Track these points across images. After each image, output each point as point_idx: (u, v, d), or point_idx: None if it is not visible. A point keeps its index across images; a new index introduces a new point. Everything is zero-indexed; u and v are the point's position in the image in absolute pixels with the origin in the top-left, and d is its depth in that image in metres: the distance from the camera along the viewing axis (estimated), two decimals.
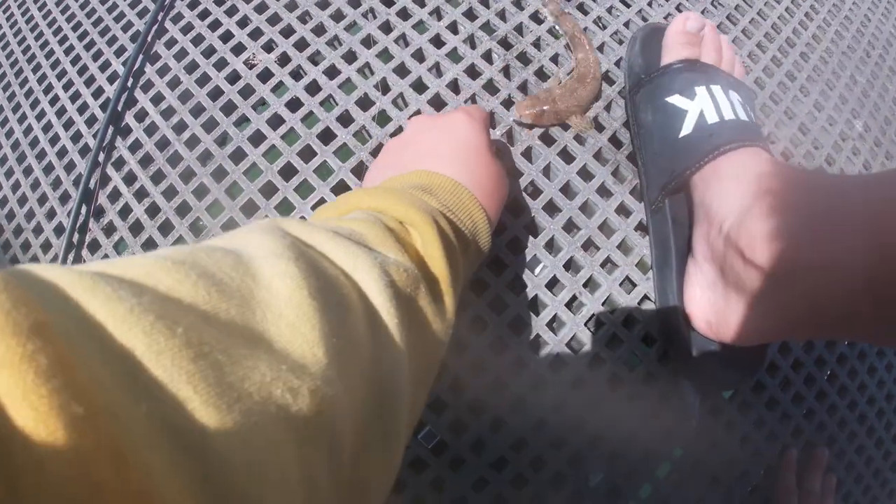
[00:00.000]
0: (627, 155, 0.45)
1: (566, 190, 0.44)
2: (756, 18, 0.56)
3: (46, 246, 0.51)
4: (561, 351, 0.41)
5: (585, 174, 0.44)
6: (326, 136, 0.44)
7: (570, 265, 0.43)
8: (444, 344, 0.28)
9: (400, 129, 0.44)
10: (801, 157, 0.53)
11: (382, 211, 0.26)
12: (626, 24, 0.49)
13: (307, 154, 0.44)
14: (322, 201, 0.43)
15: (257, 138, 0.45)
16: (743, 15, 0.55)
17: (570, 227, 0.43)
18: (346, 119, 0.45)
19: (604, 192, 0.44)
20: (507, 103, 0.45)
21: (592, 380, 0.41)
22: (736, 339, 0.38)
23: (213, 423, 0.12)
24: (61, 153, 0.53)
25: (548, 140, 0.45)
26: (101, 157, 0.51)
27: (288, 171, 0.44)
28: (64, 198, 0.52)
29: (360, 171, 0.43)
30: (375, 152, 0.43)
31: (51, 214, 0.52)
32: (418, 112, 0.44)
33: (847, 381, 0.51)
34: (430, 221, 0.26)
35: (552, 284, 0.43)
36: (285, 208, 0.43)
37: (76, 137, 0.53)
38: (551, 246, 0.43)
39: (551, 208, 0.43)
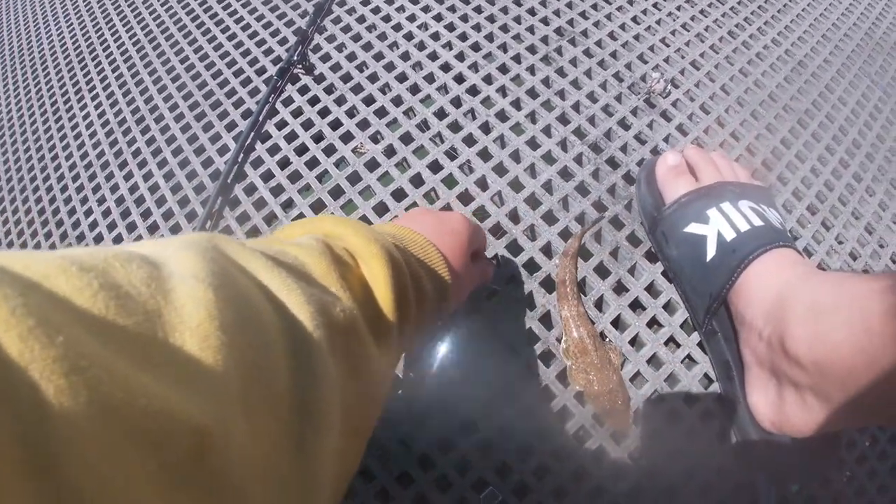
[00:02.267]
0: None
1: (650, 289, 0.47)
2: (838, 126, 0.59)
3: None
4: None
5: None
6: None
7: (634, 341, 0.46)
8: (387, 377, 0.27)
9: (499, 227, 0.48)
10: (868, 256, 0.56)
11: (340, 237, 0.27)
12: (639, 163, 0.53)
13: None
14: None
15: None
16: (813, 118, 0.58)
17: (652, 323, 0.47)
18: None
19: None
20: (598, 205, 0.49)
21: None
22: (799, 432, 0.40)
23: (73, 446, 0.11)
24: (167, 215, 0.58)
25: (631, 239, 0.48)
26: (209, 225, 0.55)
27: None
28: None
29: None
30: None
31: None
32: (514, 210, 0.48)
33: None
34: (385, 260, 0.26)
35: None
36: None
37: (183, 202, 0.58)
38: (634, 341, 0.46)
39: (636, 305, 0.46)
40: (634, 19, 0.59)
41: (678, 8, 0.61)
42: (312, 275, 0.23)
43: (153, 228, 0.58)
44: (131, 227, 0.59)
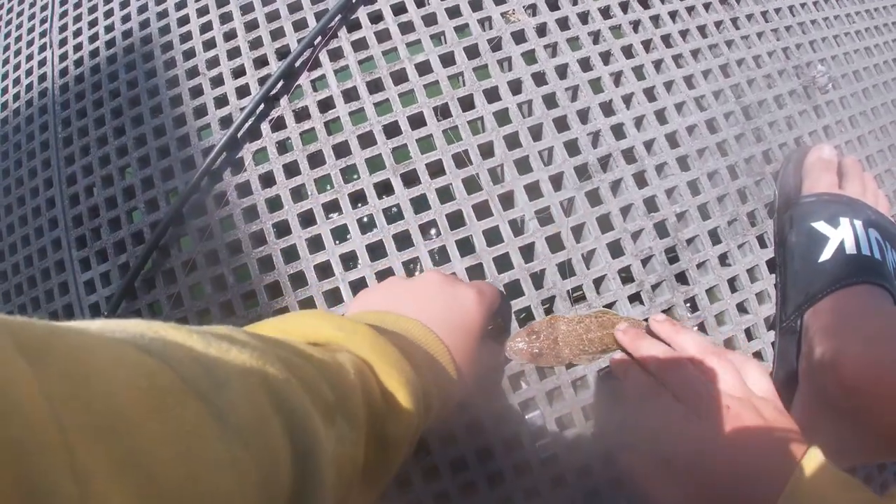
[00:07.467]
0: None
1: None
2: None
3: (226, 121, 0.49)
4: None
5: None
6: (561, 124, 0.44)
7: (718, 317, 0.45)
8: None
9: (632, 152, 0.44)
10: None
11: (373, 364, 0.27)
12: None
13: (536, 132, 0.44)
14: (535, 183, 0.43)
15: (492, 94, 0.45)
16: None
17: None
18: (584, 115, 0.45)
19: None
20: (731, 170, 0.46)
21: None
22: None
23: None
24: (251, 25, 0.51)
25: None
26: (318, 41, 0.48)
27: (513, 142, 0.44)
28: (261, 62, 0.49)
29: (581, 172, 0.44)
30: (603, 159, 0.44)
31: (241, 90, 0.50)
32: (652, 141, 0.45)
33: None
34: (408, 393, 0.26)
35: None
36: (492, 177, 0.43)
37: (294, 7, 0.51)
38: None
39: (732, 282, 0.45)
40: (815, 4, 0.55)
41: (856, 13, 0.57)
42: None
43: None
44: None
